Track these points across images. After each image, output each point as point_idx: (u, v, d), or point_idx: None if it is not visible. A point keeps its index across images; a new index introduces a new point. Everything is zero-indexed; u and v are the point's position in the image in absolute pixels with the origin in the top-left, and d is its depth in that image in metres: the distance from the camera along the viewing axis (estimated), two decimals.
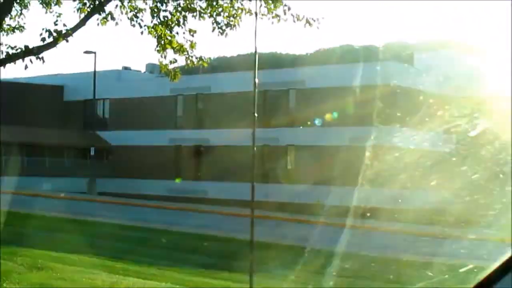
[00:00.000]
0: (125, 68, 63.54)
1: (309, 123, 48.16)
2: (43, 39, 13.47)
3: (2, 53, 14.04)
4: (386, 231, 32.33)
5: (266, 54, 59.37)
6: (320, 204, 44.58)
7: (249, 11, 14.42)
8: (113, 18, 14.32)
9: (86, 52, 53.99)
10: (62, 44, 13.65)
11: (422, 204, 33.38)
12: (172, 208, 41.22)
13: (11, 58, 13.59)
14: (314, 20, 13.97)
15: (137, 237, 25.22)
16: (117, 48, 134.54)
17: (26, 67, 13.33)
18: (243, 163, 51.68)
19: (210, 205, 45.59)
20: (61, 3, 15.27)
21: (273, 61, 55.60)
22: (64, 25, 13.64)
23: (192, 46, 14.54)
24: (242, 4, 14.29)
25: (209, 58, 15.24)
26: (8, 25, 14.91)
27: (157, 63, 15.77)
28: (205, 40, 16.72)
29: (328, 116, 46.47)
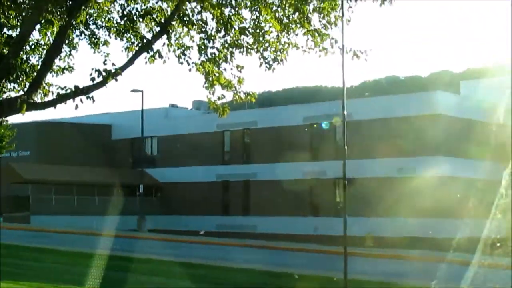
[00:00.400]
0: (172, 105, 64.14)
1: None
2: (93, 79, 13.57)
3: (53, 93, 14.19)
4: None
5: (309, 88, 59.59)
6: (370, 236, 44.50)
7: (296, 45, 14.42)
8: (160, 56, 14.39)
9: (134, 90, 54.36)
10: (110, 83, 13.77)
11: None
12: (228, 244, 40.76)
13: (61, 98, 13.72)
14: (362, 52, 13.87)
15: (206, 275, 24.91)
16: (164, 86, 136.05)
17: (76, 107, 13.42)
18: (291, 197, 51.87)
19: (259, 239, 45.37)
20: (109, 43, 15.39)
21: (318, 95, 55.64)
22: (113, 64, 13.75)
23: (240, 81, 14.53)
24: (288, 39, 14.29)
25: (255, 93, 15.14)
26: (57, 66, 15.04)
27: (203, 99, 15.80)
28: (250, 75, 16.77)
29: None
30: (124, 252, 27.91)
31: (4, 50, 12.79)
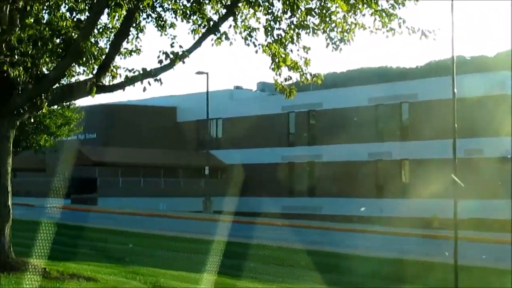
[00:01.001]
0: (237, 87, 64.29)
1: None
2: (160, 61, 13.69)
3: (121, 76, 14.36)
4: None
5: (375, 69, 59.17)
6: (436, 218, 44.08)
7: (363, 26, 14.34)
8: (227, 38, 14.46)
9: (198, 72, 54.45)
10: (177, 65, 13.89)
11: None
12: (303, 226, 40.06)
13: (130, 81, 13.87)
14: (430, 32, 13.72)
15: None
16: (228, 68, 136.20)
17: (144, 89, 13.57)
18: (357, 178, 51.72)
19: (324, 221, 45.12)
20: (176, 26, 15.51)
21: (383, 75, 55.22)
22: (180, 46, 13.87)
23: (307, 63, 14.53)
24: (355, 19, 14.22)
25: (321, 74, 15.10)
26: (125, 48, 15.21)
27: (268, 81, 15.87)
28: (316, 56, 16.76)
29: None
30: (210, 235, 26.98)
31: (74, 34, 12.95)
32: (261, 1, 14.30)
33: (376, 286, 18.75)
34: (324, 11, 14.17)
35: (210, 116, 56.82)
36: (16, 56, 12.28)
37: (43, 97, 13.30)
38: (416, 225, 40.60)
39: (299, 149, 55.74)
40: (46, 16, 14.61)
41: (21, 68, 12.39)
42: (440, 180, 44.67)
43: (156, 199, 53.37)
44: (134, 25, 14.80)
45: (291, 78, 14.68)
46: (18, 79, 12.78)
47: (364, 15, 14.15)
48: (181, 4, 15.05)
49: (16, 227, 13.86)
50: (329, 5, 14.03)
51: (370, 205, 49.78)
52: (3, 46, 12.11)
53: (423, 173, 47.75)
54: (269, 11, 14.45)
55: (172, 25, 15.39)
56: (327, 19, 14.18)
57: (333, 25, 14.25)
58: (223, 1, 14.57)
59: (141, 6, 14.07)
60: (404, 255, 24.22)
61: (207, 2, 14.69)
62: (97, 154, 56.77)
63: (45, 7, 14.69)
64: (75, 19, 14.33)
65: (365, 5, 13.82)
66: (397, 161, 51.97)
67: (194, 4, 14.74)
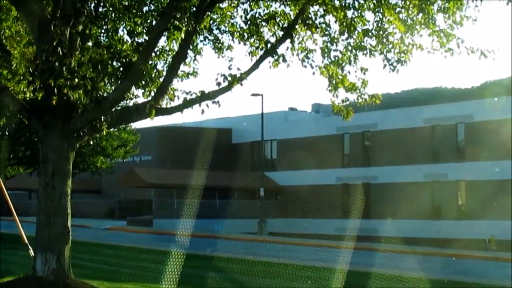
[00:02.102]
0: (291, 108, 64.33)
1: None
2: (218, 84, 13.75)
3: (178, 98, 14.44)
4: None
5: (430, 89, 58.64)
6: (493, 240, 43.45)
7: (420, 47, 14.24)
8: (284, 60, 14.50)
9: (253, 94, 54.65)
10: (235, 87, 13.94)
11: None
12: (364, 249, 39.23)
13: (188, 103, 13.94)
14: (490, 52, 13.56)
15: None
16: (283, 89, 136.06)
17: (202, 111, 13.63)
18: (411, 199, 51.24)
19: (380, 243, 44.55)
20: (233, 48, 15.57)
21: (438, 96, 54.79)
22: (238, 68, 13.91)
23: (364, 84, 14.47)
24: (412, 40, 14.13)
25: (380, 95, 15.03)
26: (182, 71, 15.30)
27: (322, 102, 15.85)
28: (373, 77, 16.64)
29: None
30: (272, 257, 26.21)
31: (133, 57, 13.09)
32: (318, 23, 14.31)
33: None
34: (381, 32, 14.13)
35: (265, 138, 56.95)
36: (76, 79, 12.42)
37: (102, 119, 13.44)
38: (473, 247, 40.19)
39: (354, 171, 55.47)
40: (105, 39, 14.82)
41: (81, 91, 12.56)
42: (497, 201, 44.35)
43: (211, 220, 53.40)
44: (191, 47, 14.91)
45: (348, 99, 14.64)
46: (78, 102, 12.96)
47: (421, 35, 14.06)
48: (238, 27, 15.13)
49: (74, 249, 13.97)
50: (386, 26, 13.98)
51: (426, 226, 49.33)
52: (64, 69, 12.26)
53: (480, 194, 47.28)
54: (326, 32, 14.44)
55: (229, 47, 15.46)
56: (384, 40, 14.13)
57: (390, 46, 14.19)
58: (280, 24, 14.61)
59: (198, 28, 14.16)
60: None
61: (264, 24, 14.74)
62: (152, 176, 57.17)
63: (103, 31, 14.91)
64: (134, 42, 14.49)
65: (423, 26, 13.74)
66: (453, 182, 51.41)
67: (252, 27, 14.80)
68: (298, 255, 31.38)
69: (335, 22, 14.22)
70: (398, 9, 13.73)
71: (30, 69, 13.17)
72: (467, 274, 25.34)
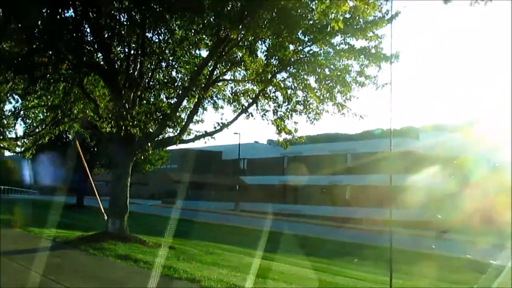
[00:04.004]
0: (256, 141, 64.25)
1: None
2: (215, 127, 13.79)
3: (191, 134, 14.50)
4: None
5: (331, 134, 58.26)
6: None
7: (327, 111, 14.16)
8: (252, 116, 14.50)
9: (235, 133, 55.64)
10: (224, 130, 13.99)
11: None
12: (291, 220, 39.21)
13: (198, 137, 13.97)
14: (364, 116, 13.58)
15: None
16: (250, 130, 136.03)
17: (205, 142, 13.76)
18: (321, 194, 50.89)
19: (298, 218, 44.03)
20: (223, 107, 15.58)
21: (336, 137, 54.69)
22: (225, 120, 13.99)
23: (296, 130, 14.49)
24: (323, 108, 14.11)
25: (304, 136, 15.08)
26: (195, 119, 15.26)
27: (273, 139, 15.82)
28: (300, 126, 16.81)
29: None
30: (238, 223, 24.43)
31: (168, 111, 13.03)
32: (271, 96, 14.38)
33: None
34: (306, 102, 14.19)
35: (240, 157, 57.04)
36: (135, 122, 12.34)
37: (149, 145, 13.36)
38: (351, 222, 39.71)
39: (289, 177, 54.99)
40: (152, 100, 14.77)
41: (137, 129, 12.47)
42: (367, 196, 44.57)
43: (209, 202, 52.84)
44: (200, 106, 14.90)
45: (287, 139, 14.61)
46: (136, 135, 12.87)
47: (328, 105, 14.08)
48: (227, 96, 15.15)
49: (130, 216, 13.80)
50: (309, 99, 14.03)
51: (327, 209, 49.12)
52: (128, 116, 12.19)
53: (358, 192, 47.13)
54: (275, 101, 14.50)
55: (221, 107, 15.48)
56: (308, 107, 14.18)
57: (311, 110, 14.24)
58: (250, 95, 14.64)
59: (205, 96, 14.16)
60: None
61: (242, 95, 14.78)
62: (176, 176, 56.82)
63: (152, 95, 14.86)
64: (169, 103, 14.44)
65: (328, 100, 13.79)
66: (344, 185, 51.23)
67: (234, 96, 14.83)
68: (250, 221, 31.67)
69: (281, 95, 14.31)
70: (316, 90, 13.80)
71: (110, 115, 13.05)
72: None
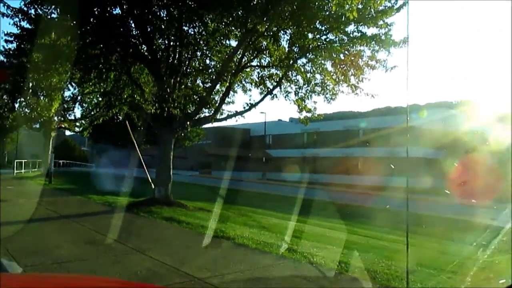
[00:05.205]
0: (279, 119, 64.01)
1: None
2: (244, 107, 13.83)
3: (223, 114, 14.56)
4: None
5: (345, 112, 57.49)
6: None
7: (342, 91, 14.09)
8: (276, 97, 14.47)
9: (261, 112, 55.70)
10: (253, 110, 13.98)
11: None
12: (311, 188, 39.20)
13: (230, 117, 14.03)
14: (375, 95, 13.44)
15: None
16: (275, 110, 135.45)
17: (236, 120, 13.79)
18: (337, 165, 50.69)
19: (315, 185, 44.07)
20: (251, 90, 15.61)
21: (348, 115, 53.88)
22: (253, 100, 14.01)
23: (315, 109, 14.46)
24: (339, 88, 13.98)
25: (322, 114, 14.98)
26: (227, 101, 15.30)
27: (295, 116, 15.78)
28: (318, 105, 16.70)
29: None
30: (265, 190, 24.20)
31: (204, 94, 13.11)
32: (293, 80, 14.31)
33: None
34: (323, 84, 14.09)
35: (266, 133, 57.09)
36: (175, 104, 12.49)
37: (188, 123, 13.51)
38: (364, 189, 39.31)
39: (308, 150, 54.85)
40: (189, 84, 14.86)
41: (177, 110, 12.62)
42: (376, 165, 44.36)
43: (240, 172, 52.97)
44: (231, 89, 14.94)
45: (308, 116, 14.58)
46: (176, 115, 13.02)
47: (343, 86, 13.96)
48: (254, 79, 15.13)
49: (173, 184, 14.04)
50: (326, 81, 13.92)
51: (343, 178, 48.93)
52: (170, 99, 12.33)
53: (367, 163, 46.73)
54: (297, 83, 14.43)
55: (249, 90, 15.48)
56: (325, 88, 14.08)
57: (328, 91, 14.14)
58: (274, 79, 14.60)
59: (235, 80, 14.18)
60: None
61: (267, 79, 14.73)
62: (211, 150, 57.33)
63: (189, 80, 14.94)
64: (204, 86, 14.52)
65: (343, 82, 13.66)
66: (357, 157, 50.80)
67: (261, 80, 14.80)
68: (276, 188, 31.63)
69: (301, 78, 14.23)
70: (332, 74, 13.68)
71: (154, 98, 13.22)
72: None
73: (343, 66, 13.24)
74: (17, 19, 12.93)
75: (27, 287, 2.35)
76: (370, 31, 12.61)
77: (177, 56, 13.50)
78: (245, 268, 5.98)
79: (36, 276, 4.09)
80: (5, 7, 13.08)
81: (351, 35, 12.39)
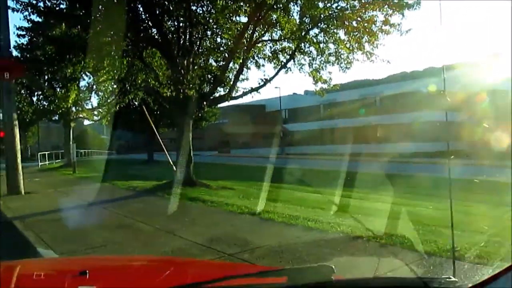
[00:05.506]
0: (294, 93, 63.59)
1: None
2: (259, 83, 13.76)
3: (238, 91, 14.50)
4: None
5: (360, 81, 56.78)
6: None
7: (357, 59, 13.90)
8: (290, 70, 14.37)
9: (276, 87, 55.46)
10: (267, 85, 13.91)
11: None
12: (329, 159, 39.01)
13: (245, 94, 13.98)
14: (387, 60, 13.22)
15: None
16: (289, 83, 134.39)
17: (252, 96, 13.71)
18: (350, 135, 50.19)
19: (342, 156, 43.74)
20: (264, 65, 15.49)
21: (363, 84, 53.13)
22: (268, 75, 13.88)
23: (330, 79, 14.32)
24: (353, 57, 13.77)
25: (338, 84, 14.84)
26: (241, 78, 15.21)
27: (310, 89, 15.62)
28: (334, 75, 16.53)
29: None
30: (283, 165, 24.35)
31: (218, 73, 13.07)
32: (306, 51, 14.14)
33: None
34: (337, 54, 13.89)
35: (282, 108, 56.84)
36: (191, 85, 12.49)
37: (204, 103, 13.53)
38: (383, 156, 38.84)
39: (325, 122, 54.44)
40: (202, 64, 14.81)
41: (193, 91, 12.62)
42: (393, 133, 43.72)
43: (256, 148, 53.06)
44: (244, 66, 14.85)
45: (323, 87, 14.47)
46: (192, 96, 13.04)
47: (357, 54, 13.76)
48: (266, 54, 14.99)
49: (194, 165, 14.16)
50: (340, 50, 13.72)
51: (365, 147, 48.62)
52: (184, 80, 12.33)
53: (386, 130, 46.12)
54: (310, 55, 14.26)
55: (263, 65, 15.37)
56: (339, 57, 13.89)
57: (342, 60, 13.95)
58: (287, 52, 14.45)
59: (247, 56, 14.07)
60: None
61: (280, 53, 14.59)
62: (228, 129, 57.40)
63: (202, 60, 14.89)
64: (218, 65, 14.46)
65: (358, 49, 13.45)
66: (373, 125, 50.10)
67: (274, 54, 14.66)
68: (293, 161, 31.49)
69: (314, 49, 14.05)
70: (345, 42, 13.47)
71: (168, 81, 13.24)
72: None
73: (356, 33, 13.01)
74: (26, 13, 13.00)
75: (65, 269, 2.44)
76: None
77: (187, 36, 13.43)
78: (273, 242, 6.05)
79: (71, 259, 4.23)
80: (14, 1, 13.13)
81: (363, 0, 12.14)
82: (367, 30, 12.81)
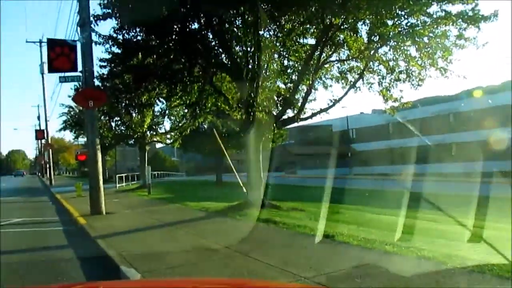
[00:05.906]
0: (361, 112, 62.43)
1: None
2: (328, 104, 13.67)
3: (306, 112, 14.45)
4: None
5: (432, 97, 54.59)
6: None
7: (430, 76, 13.44)
8: (359, 90, 14.16)
9: (343, 107, 54.48)
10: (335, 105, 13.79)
11: None
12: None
13: (314, 115, 13.93)
14: (466, 76, 12.67)
15: None
16: (356, 102, 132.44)
17: (321, 117, 13.64)
18: (427, 154, 48.05)
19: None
20: (332, 86, 15.38)
21: (434, 100, 50.89)
22: (335, 95, 13.77)
23: (402, 97, 13.94)
24: (425, 73, 13.34)
25: (410, 102, 14.39)
26: (309, 99, 15.16)
27: (378, 108, 15.27)
28: (404, 93, 16.04)
29: None
30: (353, 185, 23.39)
31: (287, 95, 13.17)
32: (375, 70, 13.90)
33: None
34: (408, 71, 13.52)
35: (349, 127, 55.87)
36: (260, 108, 12.67)
37: (274, 125, 13.64)
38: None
39: (395, 142, 52.77)
40: (271, 87, 14.95)
41: (263, 113, 12.78)
42: (469, 151, 41.16)
43: (323, 169, 52.49)
44: (313, 87, 14.83)
45: (395, 106, 14.09)
46: (261, 117, 13.20)
47: (430, 70, 13.30)
48: (335, 75, 14.90)
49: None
50: (412, 68, 13.33)
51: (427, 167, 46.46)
52: (254, 103, 12.53)
53: (464, 150, 43.68)
54: (379, 73, 13.99)
55: (330, 86, 15.28)
56: (411, 75, 13.50)
57: (413, 77, 13.54)
58: (356, 71, 14.27)
59: (315, 77, 14.07)
60: None
61: (348, 73, 14.46)
62: (294, 150, 57.36)
63: (269, 83, 15.05)
64: (287, 88, 14.57)
65: (430, 66, 13.01)
66: (449, 144, 47.67)
67: (342, 75, 14.55)
68: (362, 182, 30.57)
69: (384, 68, 13.77)
70: (417, 59, 13.09)
71: (239, 105, 13.52)
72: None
73: (428, 49, 12.61)
74: (108, 45, 13.93)
75: None
76: (455, 8, 11.86)
77: (256, 60, 13.70)
78: (349, 266, 5.89)
79: (159, 281, 4.37)
80: (97, 35, 14.15)
81: (434, 15, 11.76)
82: (440, 45, 12.38)
